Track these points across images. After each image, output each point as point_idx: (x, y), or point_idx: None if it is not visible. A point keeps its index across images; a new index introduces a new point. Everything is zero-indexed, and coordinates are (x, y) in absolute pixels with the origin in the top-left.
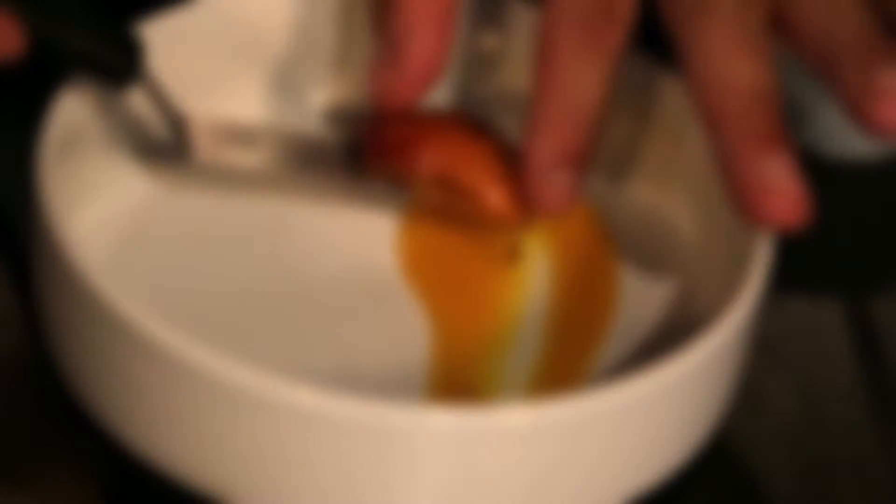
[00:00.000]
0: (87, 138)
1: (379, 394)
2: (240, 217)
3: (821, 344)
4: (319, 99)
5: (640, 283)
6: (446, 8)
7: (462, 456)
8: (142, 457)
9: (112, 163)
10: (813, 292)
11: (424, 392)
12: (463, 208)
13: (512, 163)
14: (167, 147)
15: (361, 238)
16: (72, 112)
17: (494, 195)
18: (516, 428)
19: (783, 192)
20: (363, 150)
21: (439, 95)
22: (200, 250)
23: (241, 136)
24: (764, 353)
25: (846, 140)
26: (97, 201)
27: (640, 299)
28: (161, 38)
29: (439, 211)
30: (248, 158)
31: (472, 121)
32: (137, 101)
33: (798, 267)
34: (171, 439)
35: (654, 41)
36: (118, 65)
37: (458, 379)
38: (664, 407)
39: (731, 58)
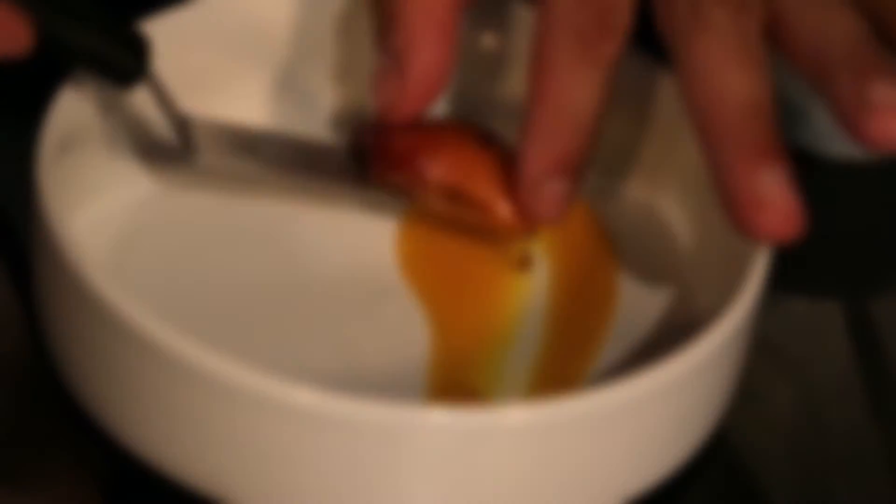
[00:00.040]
0: (87, 138)
1: (379, 394)
2: (240, 217)
3: (821, 344)
4: (323, 99)
5: (638, 283)
6: (448, 19)
7: (461, 455)
8: (142, 457)
9: (112, 162)
10: (813, 292)
11: (424, 392)
12: (470, 219)
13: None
14: (168, 147)
15: (362, 238)
16: (72, 112)
17: (503, 207)
18: (515, 427)
19: (777, 206)
20: (368, 159)
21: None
22: (200, 250)
23: (243, 140)
24: (764, 353)
25: (845, 140)
26: (97, 201)
27: (639, 299)
28: (164, 37)
29: (446, 221)
30: (249, 163)
31: (478, 130)
32: (137, 101)
33: (798, 267)
34: (170, 439)
35: (651, 41)
36: (124, 63)
37: (458, 379)
38: (663, 406)
39: (726, 70)
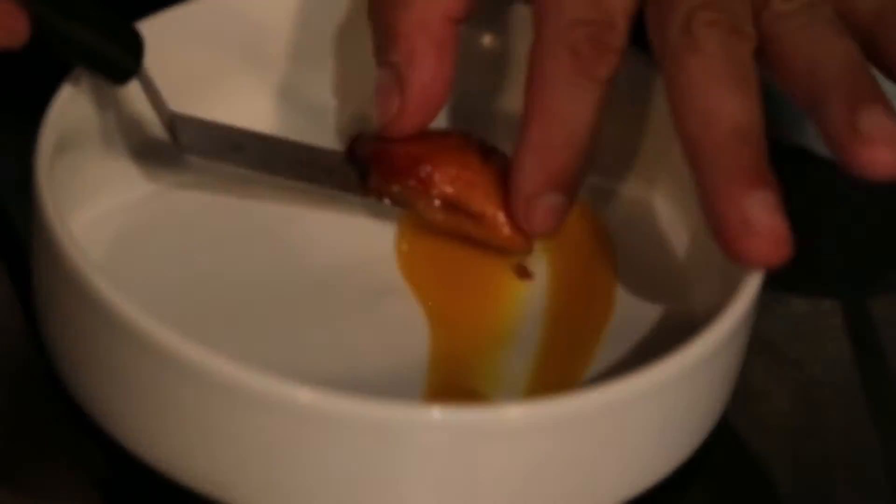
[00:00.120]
0: (87, 137)
1: (378, 393)
2: (239, 216)
3: (821, 344)
4: (321, 101)
5: (637, 283)
6: (446, 34)
7: (460, 454)
8: (142, 457)
9: (111, 162)
10: (813, 292)
11: (424, 392)
12: (469, 231)
13: None
14: (166, 146)
15: (361, 238)
16: (71, 111)
17: (502, 220)
18: (514, 426)
19: (765, 232)
20: (367, 169)
21: None
22: (200, 249)
23: (230, 139)
24: (763, 353)
25: None
26: (96, 200)
27: (638, 300)
28: (161, 35)
29: (444, 232)
30: (236, 163)
31: (478, 143)
32: (136, 101)
33: (798, 267)
34: (170, 439)
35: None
36: (119, 59)
37: (457, 379)
38: (661, 405)
39: (716, 93)
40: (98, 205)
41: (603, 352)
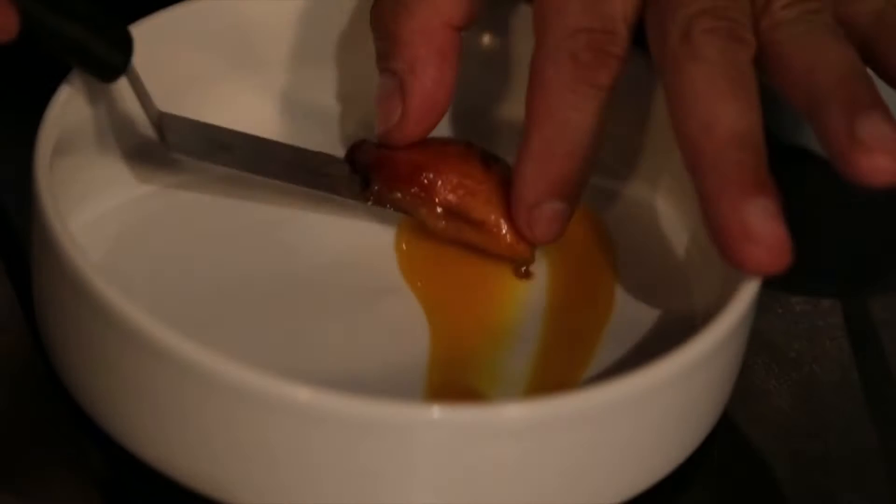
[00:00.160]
0: (86, 138)
1: (378, 392)
2: (238, 216)
3: (820, 343)
4: (319, 103)
5: (637, 283)
6: (448, 42)
7: (460, 452)
8: (141, 456)
9: (111, 162)
10: (813, 292)
11: (424, 391)
12: (470, 238)
13: None
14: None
15: (361, 237)
16: (71, 112)
17: (503, 228)
18: (514, 424)
19: (764, 239)
20: (369, 175)
21: None
22: (199, 249)
23: (218, 139)
24: (764, 352)
25: None
26: (95, 200)
27: (638, 299)
28: (160, 35)
29: (445, 239)
30: (224, 162)
31: (480, 150)
32: (134, 101)
33: (798, 267)
34: (170, 438)
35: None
36: (108, 56)
37: (456, 378)
38: (660, 405)
39: (716, 100)
40: (98, 205)
41: (603, 351)
